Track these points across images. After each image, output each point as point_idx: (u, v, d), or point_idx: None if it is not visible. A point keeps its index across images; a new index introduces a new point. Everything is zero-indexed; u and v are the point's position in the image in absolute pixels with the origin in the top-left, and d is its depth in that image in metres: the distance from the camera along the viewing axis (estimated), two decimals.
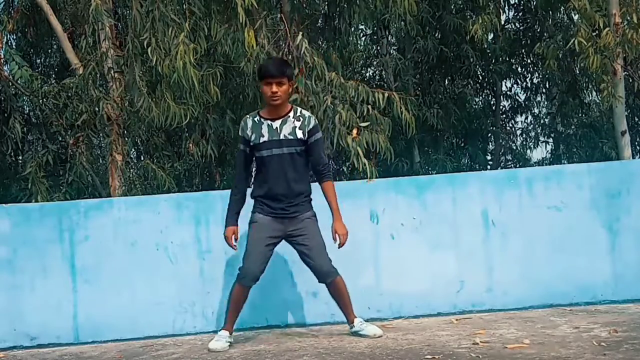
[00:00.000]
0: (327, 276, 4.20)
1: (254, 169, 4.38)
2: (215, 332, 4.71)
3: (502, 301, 4.87)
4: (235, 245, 4.29)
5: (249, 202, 4.30)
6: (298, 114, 4.23)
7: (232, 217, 4.28)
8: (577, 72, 12.95)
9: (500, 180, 5.02)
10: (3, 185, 11.22)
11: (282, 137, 4.16)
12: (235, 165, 4.45)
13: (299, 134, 4.17)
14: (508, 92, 15.66)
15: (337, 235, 4.19)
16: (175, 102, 7.50)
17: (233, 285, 4.24)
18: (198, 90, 7.29)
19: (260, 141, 4.17)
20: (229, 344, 4.18)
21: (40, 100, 9.08)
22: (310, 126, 4.20)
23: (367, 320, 4.34)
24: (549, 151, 16.00)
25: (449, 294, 4.87)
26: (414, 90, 12.65)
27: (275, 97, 4.12)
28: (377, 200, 4.86)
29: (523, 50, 14.01)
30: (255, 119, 4.25)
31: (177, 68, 6.96)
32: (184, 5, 7.57)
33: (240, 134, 4.32)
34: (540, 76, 14.92)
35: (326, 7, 11.33)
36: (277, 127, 4.18)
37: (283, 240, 4.25)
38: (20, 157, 11.33)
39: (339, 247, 4.22)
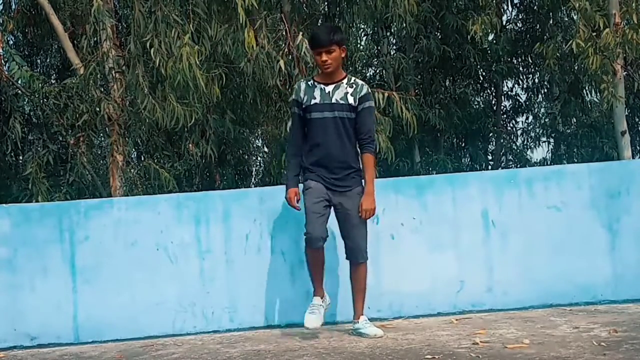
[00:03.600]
0: (357, 256, 4.21)
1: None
2: (216, 331, 4.73)
3: (502, 301, 4.86)
4: (298, 206, 4.24)
5: None
6: (352, 81, 4.27)
7: (292, 179, 4.28)
8: (578, 72, 12.96)
9: (500, 180, 5.01)
10: (4, 186, 11.23)
11: (333, 100, 4.18)
12: (290, 129, 4.46)
13: (350, 100, 4.18)
14: (509, 93, 15.68)
15: (362, 209, 4.17)
16: (178, 103, 7.50)
17: (305, 252, 4.21)
18: (204, 91, 7.30)
19: (312, 103, 4.19)
20: (324, 308, 4.23)
21: (41, 101, 9.09)
22: (362, 93, 4.21)
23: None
24: (550, 151, 16.01)
25: (449, 294, 4.87)
26: (415, 90, 12.65)
27: (327, 65, 4.16)
28: (377, 200, 4.84)
29: (524, 51, 14.02)
30: (309, 83, 4.29)
31: (181, 70, 6.96)
32: (187, 7, 7.56)
33: (293, 96, 4.36)
34: (542, 76, 14.92)
35: (326, 7, 11.34)
36: (329, 91, 4.20)
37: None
38: (21, 157, 11.34)
39: (361, 218, 4.20)
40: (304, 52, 7.59)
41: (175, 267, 4.79)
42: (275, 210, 4.80)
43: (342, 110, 4.18)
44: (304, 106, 4.24)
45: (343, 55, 4.24)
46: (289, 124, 4.42)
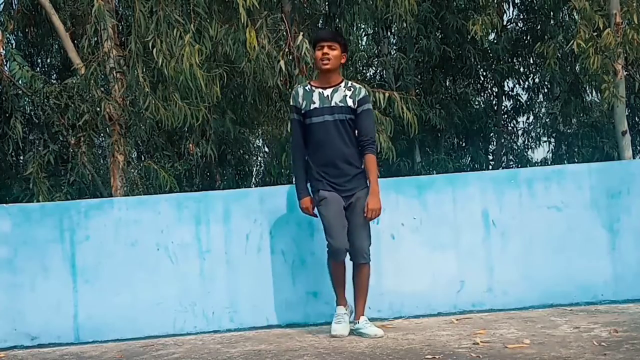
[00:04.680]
0: (361, 257, 4.21)
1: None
2: (217, 331, 4.73)
3: (502, 301, 4.86)
4: (315, 214, 4.24)
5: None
6: (349, 84, 4.27)
7: (303, 188, 4.26)
8: (579, 72, 12.96)
9: (500, 180, 5.01)
10: (4, 185, 11.23)
11: (333, 104, 4.18)
12: (291, 136, 4.43)
13: (349, 102, 4.19)
14: (510, 92, 15.67)
15: (368, 209, 4.16)
16: (183, 103, 7.50)
17: (328, 263, 4.22)
18: (205, 91, 7.29)
19: (311, 107, 4.19)
20: (348, 316, 4.25)
21: (42, 101, 9.09)
22: (361, 95, 4.22)
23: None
24: (551, 151, 16.01)
25: (449, 294, 4.87)
26: (415, 90, 12.65)
27: (325, 60, 4.15)
28: None
29: (525, 51, 14.02)
30: (307, 88, 4.28)
31: (183, 70, 6.95)
32: (188, 7, 7.56)
33: (291, 102, 4.33)
34: (542, 76, 14.92)
35: (327, 7, 11.34)
36: (328, 95, 4.20)
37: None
38: (22, 157, 11.34)
39: (366, 219, 4.20)
40: (305, 52, 7.59)
41: (175, 267, 4.79)
42: (276, 210, 4.80)
43: (342, 113, 4.18)
44: (303, 111, 4.23)
45: (343, 61, 4.24)
46: (289, 125, 4.40)
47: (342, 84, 4.26)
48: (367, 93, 4.31)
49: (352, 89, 4.24)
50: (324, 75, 4.24)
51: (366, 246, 4.22)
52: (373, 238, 4.38)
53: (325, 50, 4.15)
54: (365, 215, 4.18)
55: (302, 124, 4.26)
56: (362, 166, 4.26)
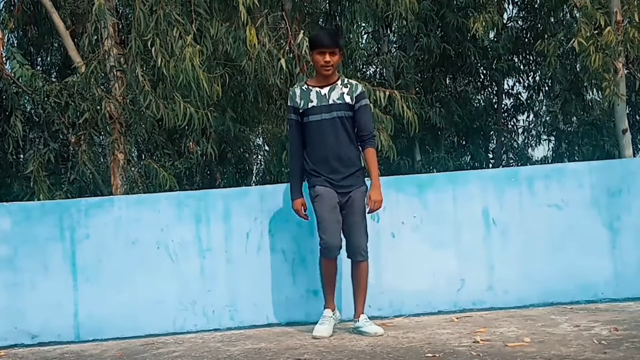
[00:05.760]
0: (358, 255, 4.22)
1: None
2: (217, 330, 4.73)
3: (502, 299, 4.86)
4: (306, 216, 4.28)
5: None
6: (345, 81, 4.30)
7: (297, 189, 4.29)
8: (579, 70, 12.95)
9: (500, 178, 5.01)
10: (5, 184, 11.23)
11: (331, 101, 4.21)
12: (289, 137, 4.48)
13: (347, 99, 4.22)
14: (510, 91, 15.67)
15: (370, 201, 4.20)
16: (187, 104, 7.49)
17: (320, 261, 4.23)
18: (208, 91, 7.28)
19: (309, 106, 4.21)
20: (334, 321, 4.24)
21: (42, 99, 9.09)
22: (358, 92, 4.25)
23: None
24: (551, 149, 16.00)
25: (450, 293, 4.87)
26: (415, 88, 12.65)
27: (328, 67, 4.19)
28: None
29: (525, 49, 14.01)
30: (304, 87, 4.31)
31: (184, 70, 6.94)
32: (189, 6, 7.54)
33: (289, 103, 4.35)
34: (543, 74, 14.91)
35: (327, 5, 11.34)
36: (325, 93, 4.23)
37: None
38: (22, 156, 11.34)
39: (368, 212, 4.24)
40: (305, 51, 7.59)
41: (175, 265, 4.79)
42: (276, 209, 4.80)
43: (341, 110, 4.21)
44: (301, 110, 4.25)
45: (340, 60, 4.31)
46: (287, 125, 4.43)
47: (339, 82, 4.29)
48: (363, 89, 4.34)
49: (349, 86, 4.27)
50: (323, 76, 4.27)
51: (364, 243, 4.23)
52: (373, 236, 4.39)
53: (327, 58, 4.17)
54: (367, 207, 4.21)
55: (299, 124, 4.28)
56: (360, 164, 4.29)
